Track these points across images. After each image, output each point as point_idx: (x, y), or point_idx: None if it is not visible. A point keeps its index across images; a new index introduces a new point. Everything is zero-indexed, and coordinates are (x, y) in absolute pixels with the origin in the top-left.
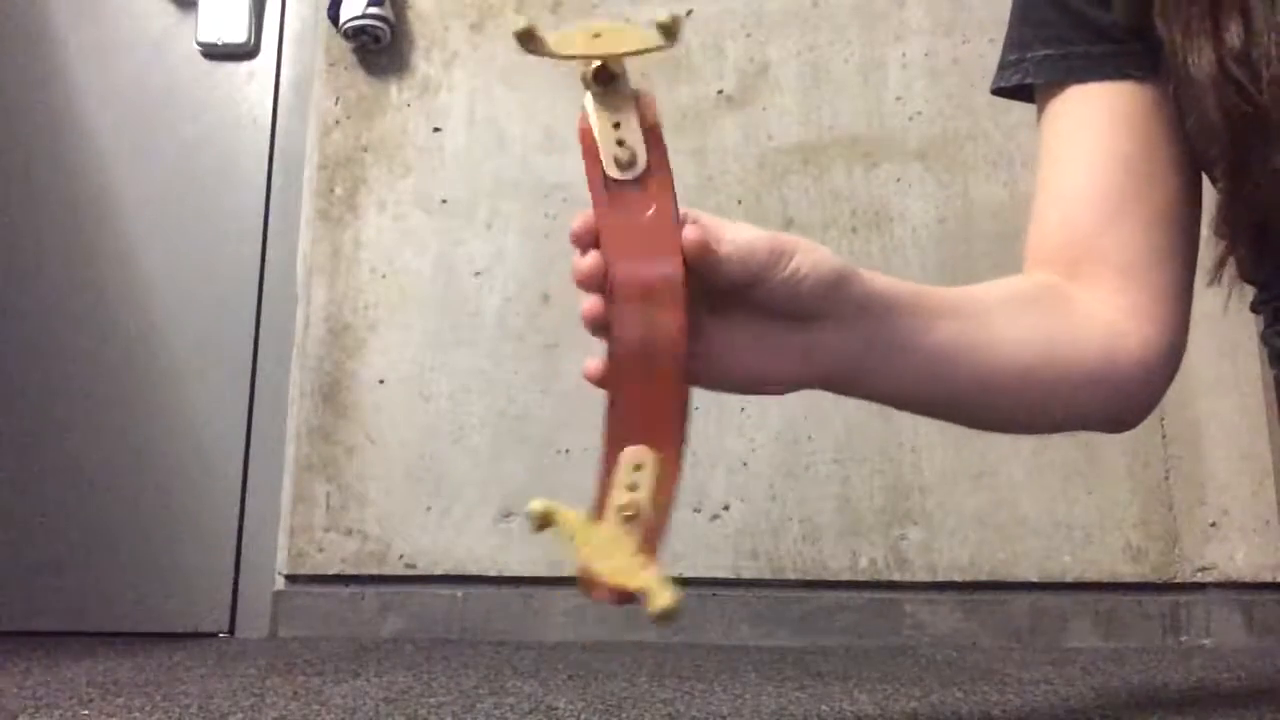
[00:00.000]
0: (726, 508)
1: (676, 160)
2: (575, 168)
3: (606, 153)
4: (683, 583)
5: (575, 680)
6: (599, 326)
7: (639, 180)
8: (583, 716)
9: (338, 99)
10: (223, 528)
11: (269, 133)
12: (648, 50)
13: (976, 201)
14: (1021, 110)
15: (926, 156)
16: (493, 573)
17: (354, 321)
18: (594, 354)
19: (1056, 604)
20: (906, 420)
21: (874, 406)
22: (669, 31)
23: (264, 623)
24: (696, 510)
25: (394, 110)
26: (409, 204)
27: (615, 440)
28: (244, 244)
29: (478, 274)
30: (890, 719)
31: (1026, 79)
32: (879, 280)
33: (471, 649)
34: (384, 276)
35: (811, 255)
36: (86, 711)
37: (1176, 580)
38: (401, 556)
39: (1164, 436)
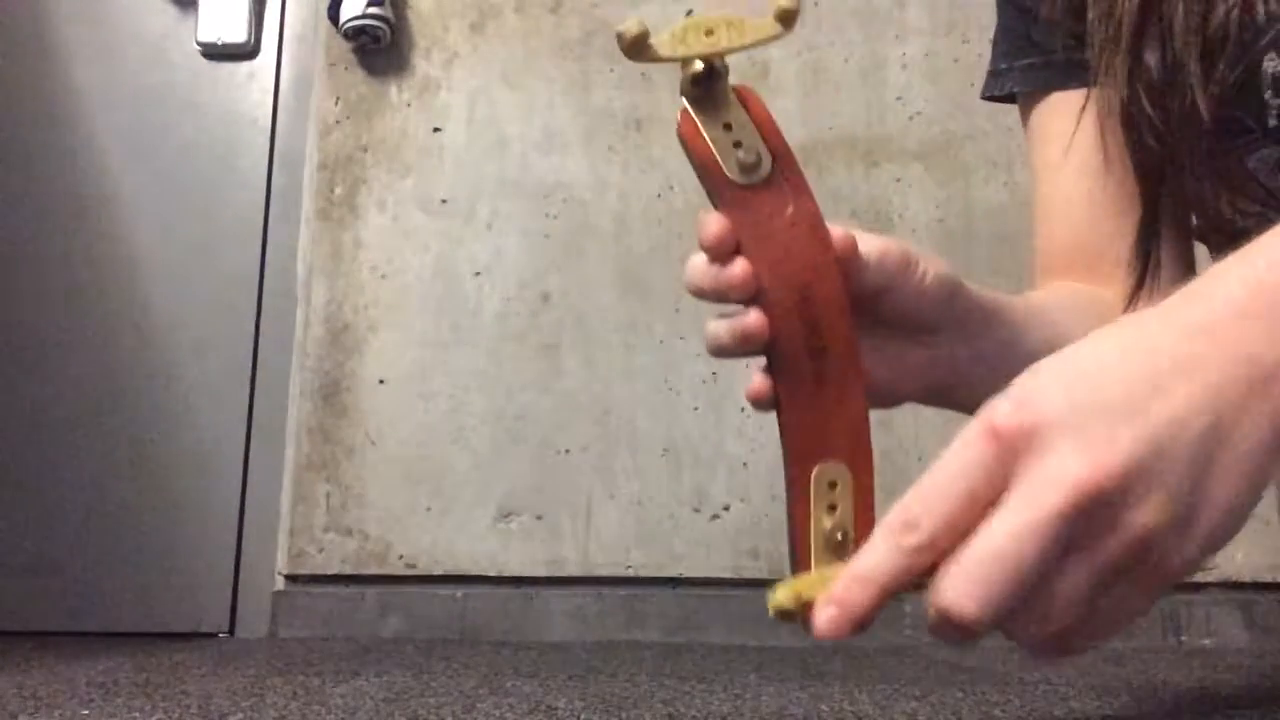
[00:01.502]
0: (727, 508)
1: (677, 160)
2: (575, 167)
3: (726, 158)
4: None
5: (575, 680)
6: (761, 341)
7: (767, 181)
8: (583, 716)
9: (338, 99)
10: (223, 528)
11: (269, 133)
12: (767, 41)
13: (976, 201)
14: None
15: (926, 156)
16: (493, 573)
17: (354, 321)
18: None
19: None
20: (907, 421)
21: None
22: (788, 18)
23: (264, 623)
24: (696, 510)
25: (394, 110)
26: (409, 204)
27: (800, 460)
28: (244, 244)
29: (478, 274)
30: (890, 719)
31: (1014, 87)
32: (978, 291)
33: (471, 649)
34: (384, 276)
35: (934, 263)
36: (86, 711)
37: None
38: (401, 556)
39: None
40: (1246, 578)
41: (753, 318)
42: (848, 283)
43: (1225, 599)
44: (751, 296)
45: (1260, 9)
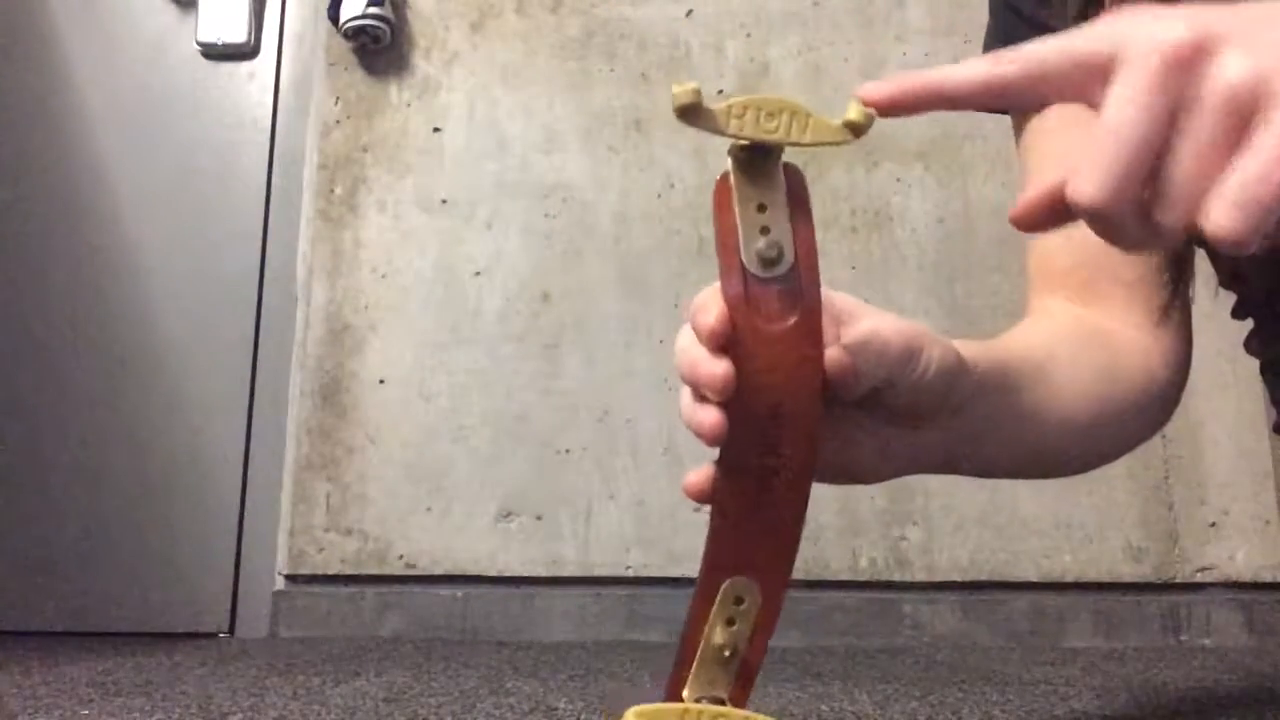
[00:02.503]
0: None
1: (677, 160)
2: (575, 167)
3: (749, 242)
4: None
5: (575, 680)
6: (715, 443)
7: (782, 279)
8: (583, 716)
9: (338, 99)
10: (223, 528)
11: (269, 133)
12: (829, 144)
13: (976, 201)
14: None
15: (926, 156)
16: (493, 573)
17: (354, 321)
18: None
19: (1056, 604)
20: None
21: None
22: (859, 130)
23: (264, 623)
24: (696, 510)
25: (394, 110)
26: (409, 204)
27: (716, 568)
28: (244, 244)
29: (478, 274)
30: (890, 719)
31: None
32: (976, 360)
33: (471, 649)
34: (384, 276)
35: (938, 350)
36: (86, 711)
37: (1176, 580)
38: (401, 556)
39: (1164, 437)
40: (1246, 578)
41: (712, 418)
42: (833, 396)
43: (1225, 599)
44: (726, 399)
45: None
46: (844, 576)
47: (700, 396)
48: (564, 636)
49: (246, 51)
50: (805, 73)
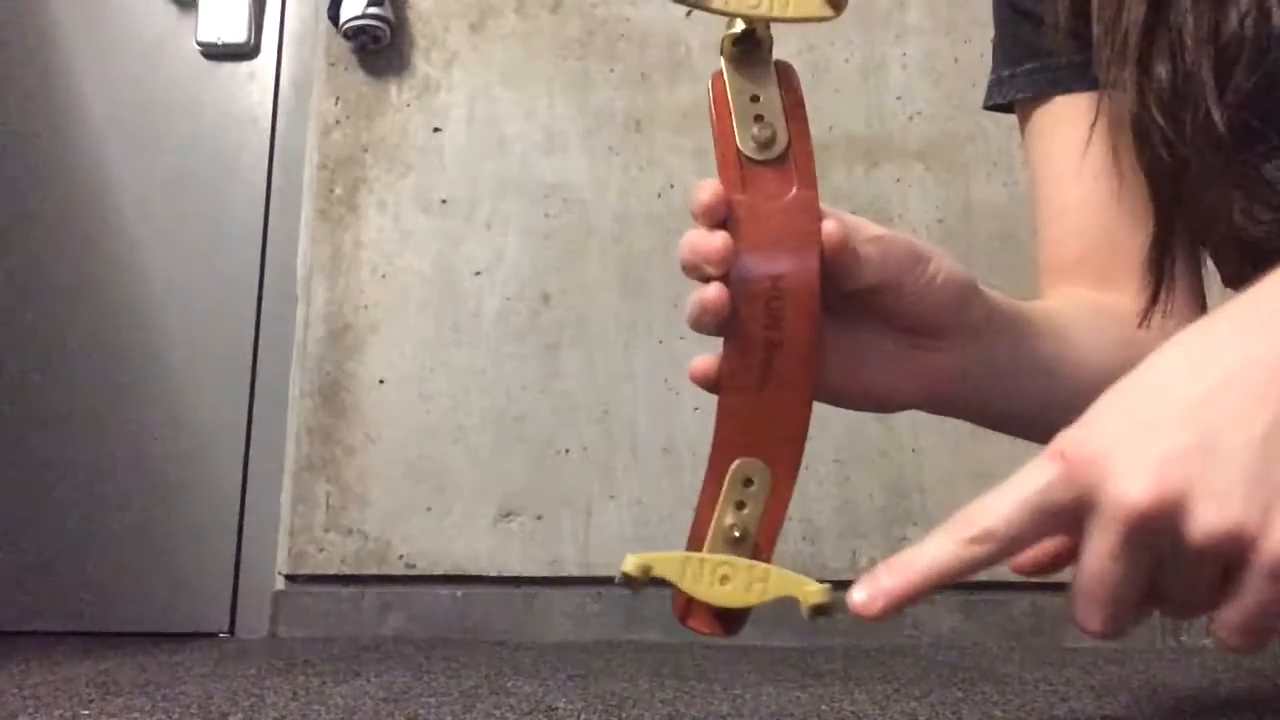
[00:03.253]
0: None
1: (677, 160)
2: (575, 167)
3: (743, 128)
4: None
5: (575, 680)
6: (717, 319)
7: (777, 160)
8: (583, 716)
9: (338, 99)
10: (223, 528)
11: (269, 133)
12: (812, 19)
13: (976, 201)
14: None
15: (926, 156)
16: (493, 573)
17: (354, 321)
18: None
19: (1056, 604)
20: (906, 421)
21: None
22: (837, 3)
23: (264, 623)
24: None
25: (394, 110)
26: (409, 204)
27: (724, 450)
28: (244, 244)
29: (478, 274)
30: (890, 719)
31: (1019, 93)
32: (995, 297)
33: (471, 649)
34: (384, 276)
35: (948, 263)
36: (86, 711)
37: None
38: (401, 556)
39: None
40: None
41: (713, 291)
42: (836, 281)
43: None
44: (725, 273)
45: (1276, 15)
46: (844, 576)
47: (704, 277)
48: (564, 636)
49: (246, 51)
50: (805, 73)
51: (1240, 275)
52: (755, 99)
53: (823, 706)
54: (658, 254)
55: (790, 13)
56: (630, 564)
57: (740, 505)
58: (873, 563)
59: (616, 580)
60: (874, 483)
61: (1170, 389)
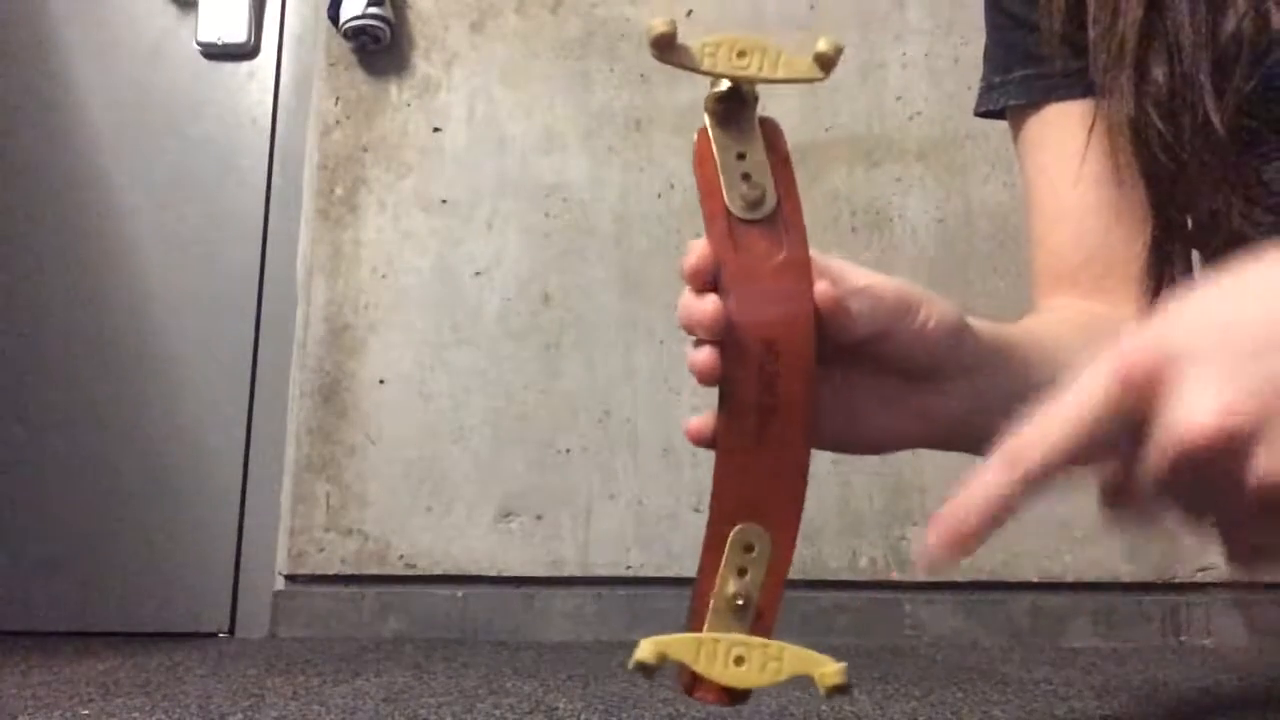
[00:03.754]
0: None
1: (677, 160)
2: (575, 167)
3: (730, 188)
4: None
5: (575, 680)
6: (711, 381)
7: (767, 220)
8: (583, 716)
9: (338, 99)
10: (223, 528)
11: (269, 133)
12: (801, 80)
13: (976, 201)
14: None
15: (926, 156)
16: (492, 573)
17: (354, 321)
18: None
19: (1056, 604)
20: None
21: None
22: (826, 64)
23: (264, 623)
24: (696, 510)
25: (394, 110)
26: (409, 204)
27: (723, 516)
28: (244, 244)
29: (478, 274)
30: (890, 719)
31: (1012, 100)
32: (984, 330)
33: (471, 649)
34: (384, 276)
35: (938, 306)
36: (86, 711)
37: (1176, 580)
38: (401, 556)
39: None
40: (1247, 578)
41: (703, 356)
42: (829, 336)
43: (1225, 599)
44: (718, 337)
45: (1275, 16)
46: (844, 576)
47: (697, 340)
48: (564, 636)
49: (246, 51)
50: None
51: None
52: (741, 156)
53: (822, 706)
54: (658, 254)
55: (780, 74)
56: (645, 651)
57: (742, 572)
58: (872, 563)
59: (630, 668)
60: (874, 483)
61: (1250, 309)
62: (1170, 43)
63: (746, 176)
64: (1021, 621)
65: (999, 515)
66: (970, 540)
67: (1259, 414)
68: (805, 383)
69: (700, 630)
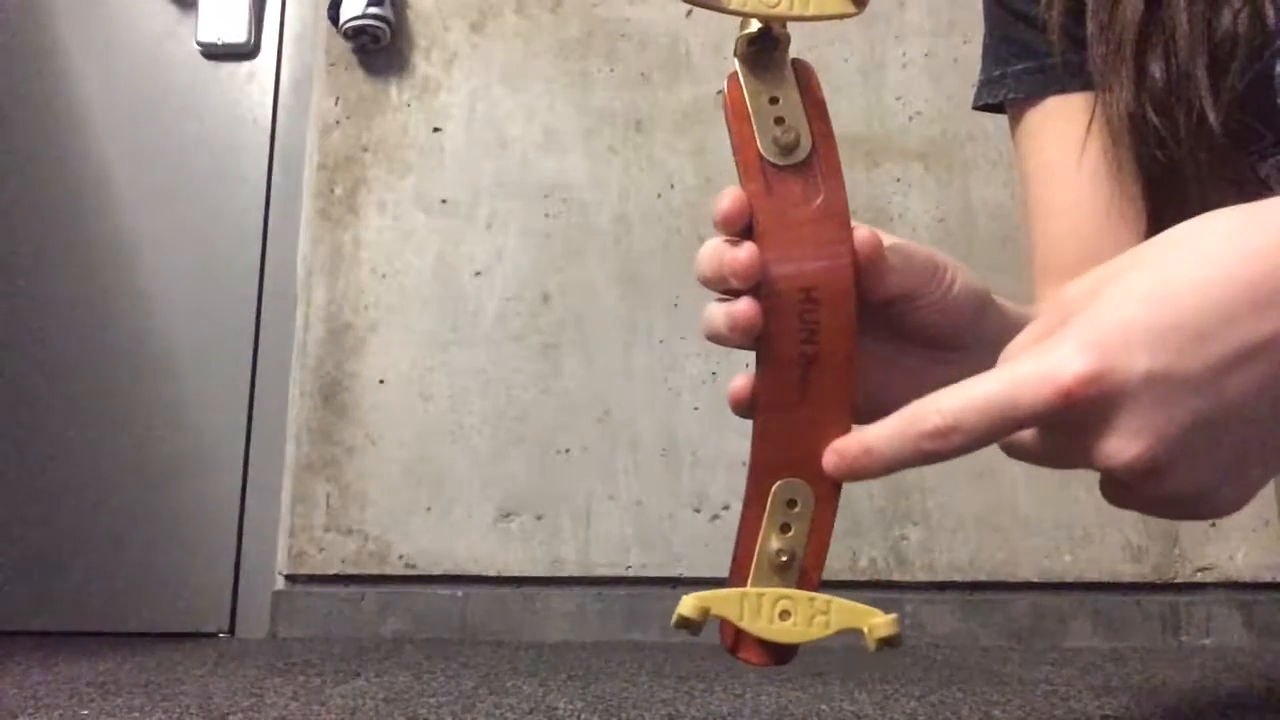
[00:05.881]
0: (726, 507)
1: (677, 160)
2: (575, 167)
3: (764, 133)
4: (683, 583)
5: (575, 680)
6: (749, 335)
7: (802, 165)
8: (583, 716)
9: (338, 99)
10: (223, 528)
11: (269, 133)
12: (833, 17)
13: (976, 201)
14: None
15: (926, 156)
16: (492, 573)
17: (354, 321)
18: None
19: (1056, 604)
20: None
21: None
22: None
23: (264, 623)
24: (696, 510)
25: (394, 110)
26: (409, 204)
27: (765, 471)
28: (244, 244)
29: (478, 274)
30: (890, 719)
31: (1010, 93)
32: (1007, 307)
33: (471, 649)
34: (384, 276)
35: (964, 274)
36: (86, 711)
37: (1176, 580)
38: (401, 556)
39: None
40: (1246, 578)
41: (743, 306)
42: (861, 291)
43: (1225, 599)
44: (754, 286)
45: (1270, 13)
46: (844, 576)
47: (730, 292)
48: (564, 636)
49: (246, 51)
50: None
51: None
52: (774, 101)
53: (822, 706)
54: (658, 254)
55: (811, 10)
56: (688, 606)
57: (785, 528)
58: (873, 563)
59: (674, 623)
60: (874, 483)
61: (1203, 334)
62: (1168, 39)
63: (780, 121)
64: (1021, 621)
65: (893, 469)
66: (859, 478)
67: (1179, 454)
68: (848, 331)
69: (744, 585)
